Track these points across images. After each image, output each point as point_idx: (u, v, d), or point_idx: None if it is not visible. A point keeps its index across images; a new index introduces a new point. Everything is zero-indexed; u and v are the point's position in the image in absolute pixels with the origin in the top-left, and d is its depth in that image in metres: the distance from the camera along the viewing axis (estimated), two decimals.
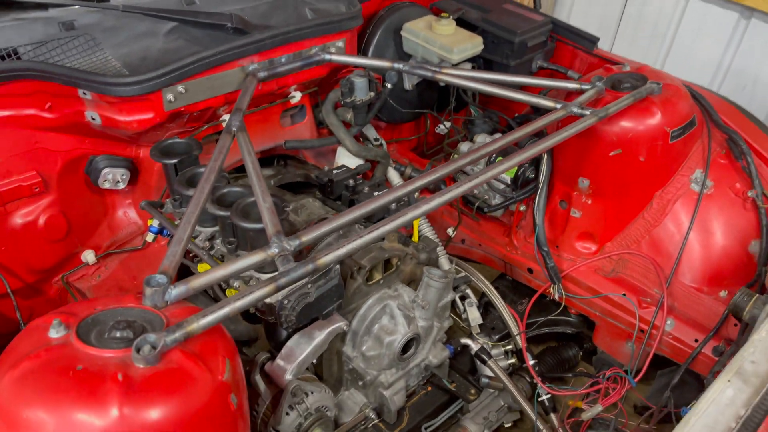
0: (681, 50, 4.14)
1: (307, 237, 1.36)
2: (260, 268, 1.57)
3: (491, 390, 2.30)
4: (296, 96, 2.23)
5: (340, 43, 2.18)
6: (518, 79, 2.16)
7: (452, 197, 1.57)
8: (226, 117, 2.05)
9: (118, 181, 2.00)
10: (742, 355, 1.42)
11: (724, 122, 2.26)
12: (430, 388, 2.33)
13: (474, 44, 2.35)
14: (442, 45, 2.32)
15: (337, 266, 1.77)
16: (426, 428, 2.20)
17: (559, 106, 1.94)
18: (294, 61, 2.06)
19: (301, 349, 1.86)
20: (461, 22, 2.55)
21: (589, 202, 2.26)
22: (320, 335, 1.87)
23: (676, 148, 2.13)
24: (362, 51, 2.49)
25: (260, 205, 1.47)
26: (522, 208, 2.41)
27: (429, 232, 2.53)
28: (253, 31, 2.01)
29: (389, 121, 2.67)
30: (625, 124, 2.07)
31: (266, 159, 2.50)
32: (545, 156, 2.29)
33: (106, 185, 1.99)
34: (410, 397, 2.28)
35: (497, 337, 2.42)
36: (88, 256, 2.04)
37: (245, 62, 1.96)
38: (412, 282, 2.13)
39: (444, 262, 2.49)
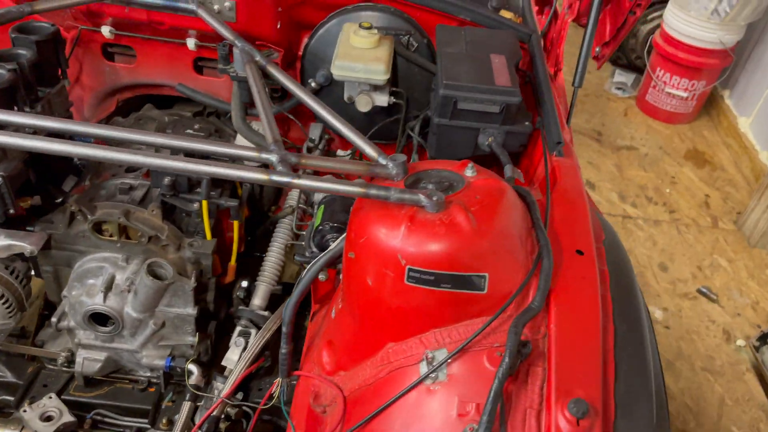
0: None
1: None
2: None
3: None
4: (190, 42, 2.12)
5: (227, 3, 1.98)
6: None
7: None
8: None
9: None
10: None
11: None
12: (152, 389, 2.13)
13: (369, 69, 1.84)
14: (336, 53, 1.90)
15: None
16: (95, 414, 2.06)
17: (263, 155, 1.45)
18: None
19: None
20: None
21: (340, 306, 1.66)
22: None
23: (417, 296, 1.39)
24: (309, 38, 2.19)
25: None
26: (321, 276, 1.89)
27: (273, 262, 2.18)
28: None
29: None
30: (367, 224, 1.44)
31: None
32: None
33: None
34: (132, 382, 2.13)
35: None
36: None
37: None
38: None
39: (262, 291, 2.13)
